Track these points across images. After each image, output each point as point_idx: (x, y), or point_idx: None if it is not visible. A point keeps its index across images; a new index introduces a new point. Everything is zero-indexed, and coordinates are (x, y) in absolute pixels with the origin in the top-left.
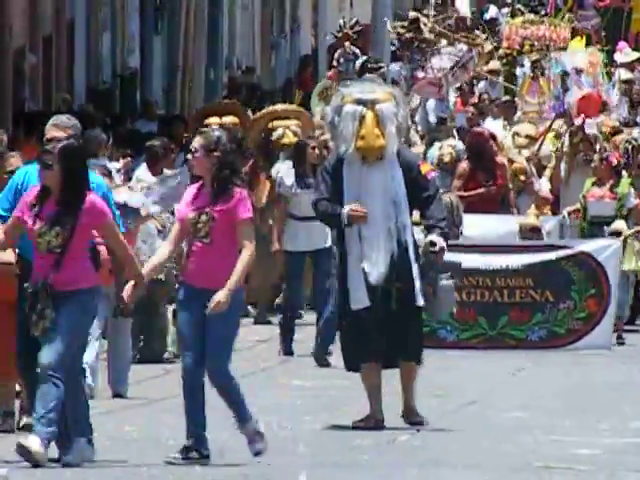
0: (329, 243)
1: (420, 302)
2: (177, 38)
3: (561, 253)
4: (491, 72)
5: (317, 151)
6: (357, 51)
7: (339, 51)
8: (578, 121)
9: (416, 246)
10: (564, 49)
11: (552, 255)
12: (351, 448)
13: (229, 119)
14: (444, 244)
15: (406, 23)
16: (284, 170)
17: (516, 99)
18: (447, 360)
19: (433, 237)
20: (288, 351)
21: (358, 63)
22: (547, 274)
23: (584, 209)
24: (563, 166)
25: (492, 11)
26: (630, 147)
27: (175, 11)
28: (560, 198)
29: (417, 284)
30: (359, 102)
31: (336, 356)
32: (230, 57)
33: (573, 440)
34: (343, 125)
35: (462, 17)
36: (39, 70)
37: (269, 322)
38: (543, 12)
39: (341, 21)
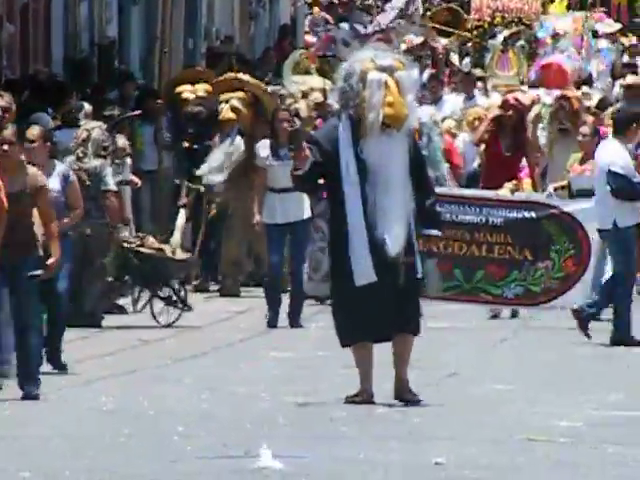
0: (307, 215)
1: (420, 274)
2: (155, 7)
3: (542, 212)
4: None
5: (285, 124)
6: (328, 17)
7: (309, 18)
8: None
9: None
10: (535, 21)
11: (533, 213)
12: (330, 420)
13: (201, 87)
14: (440, 233)
15: None
16: (261, 142)
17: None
18: (425, 331)
19: (433, 232)
20: (272, 324)
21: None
22: (527, 232)
23: (569, 184)
24: (544, 137)
25: None
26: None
27: None
28: (547, 171)
29: (418, 256)
30: (381, 69)
31: (316, 327)
32: (209, 26)
33: (554, 412)
34: (370, 93)
35: None
36: (16, 39)
37: (237, 295)
38: None
39: None
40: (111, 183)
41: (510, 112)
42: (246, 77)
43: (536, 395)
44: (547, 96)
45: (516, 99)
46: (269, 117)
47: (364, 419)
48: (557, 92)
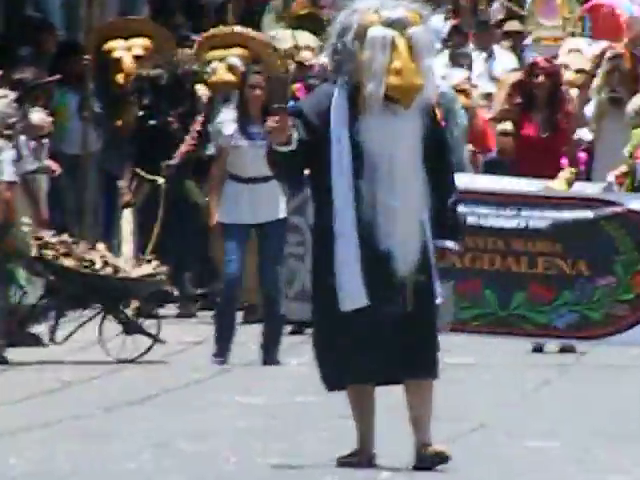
0: (283, 214)
1: (439, 299)
2: None
3: (602, 211)
4: None
5: (258, 91)
6: None
7: None
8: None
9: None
10: None
11: (590, 213)
12: None
13: (139, 42)
14: (458, 247)
15: None
16: (223, 117)
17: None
18: (444, 369)
19: (449, 244)
20: (221, 359)
21: None
22: (582, 238)
23: (632, 172)
24: (592, 105)
25: None
26: None
27: None
28: (593, 153)
29: (436, 275)
30: (387, 23)
31: (300, 362)
32: None
33: (610, 475)
34: (370, 55)
35: None
36: None
37: (194, 315)
38: None
39: None
40: (6, 172)
41: (541, 78)
42: (249, 31)
43: (589, 455)
44: (589, 49)
45: (547, 60)
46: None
47: None
48: (603, 44)
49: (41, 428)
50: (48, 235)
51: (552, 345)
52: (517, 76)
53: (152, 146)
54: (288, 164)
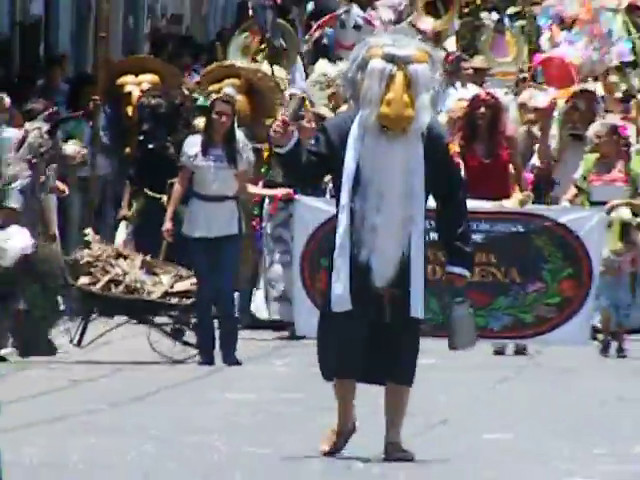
0: (236, 230)
1: (416, 313)
2: None
3: (532, 224)
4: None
5: (223, 118)
6: None
7: None
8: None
9: (424, 245)
10: (537, 3)
11: (521, 227)
12: (299, 476)
13: (147, 77)
14: (469, 274)
15: None
16: (191, 139)
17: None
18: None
19: (457, 270)
20: (207, 359)
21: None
22: (514, 249)
23: (587, 194)
24: (554, 139)
25: None
26: None
27: None
28: (555, 180)
29: (416, 291)
30: (389, 58)
31: (284, 363)
32: (152, 3)
33: (563, 466)
34: (368, 85)
35: None
36: None
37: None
38: None
39: None
40: (13, 198)
41: (482, 109)
42: (239, 63)
43: (544, 446)
44: (545, 95)
45: (488, 93)
46: (269, 108)
47: (339, 474)
48: (554, 92)
49: (52, 422)
50: (85, 254)
51: (511, 348)
52: (462, 108)
53: (152, 167)
54: (285, 165)
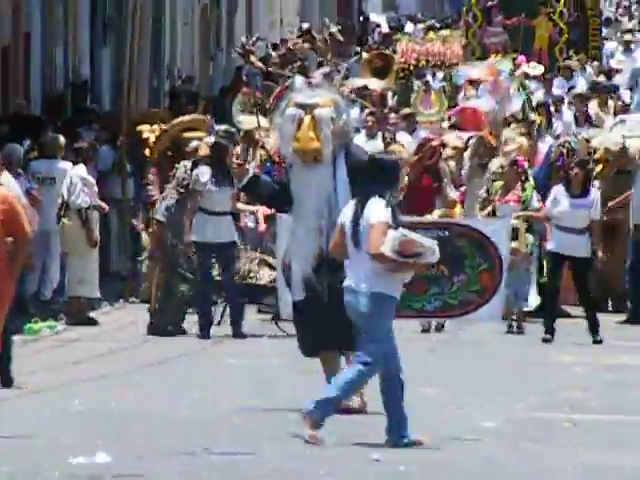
0: (234, 238)
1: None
2: (123, 49)
3: (455, 231)
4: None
5: (235, 159)
6: (262, 65)
7: (245, 67)
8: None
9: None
10: (456, 64)
11: (447, 232)
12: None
13: (158, 127)
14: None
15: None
16: (202, 169)
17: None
18: None
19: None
20: (204, 335)
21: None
22: (442, 249)
23: (493, 211)
24: (466, 169)
25: (409, 27)
26: (565, 151)
27: (122, 25)
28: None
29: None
30: (300, 106)
31: (267, 336)
32: (172, 67)
33: (480, 414)
34: (284, 127)
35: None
36: None
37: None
38: (455, 27)
39: (243, 39)
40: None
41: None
42: (201, 117)
43: (459, 399)
44: (460, 138)
45: (430, 139)
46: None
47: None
48: (468, 134)
49: (96, 380)
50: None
51: (433, 324)
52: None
53: None
54: (248, 194)
